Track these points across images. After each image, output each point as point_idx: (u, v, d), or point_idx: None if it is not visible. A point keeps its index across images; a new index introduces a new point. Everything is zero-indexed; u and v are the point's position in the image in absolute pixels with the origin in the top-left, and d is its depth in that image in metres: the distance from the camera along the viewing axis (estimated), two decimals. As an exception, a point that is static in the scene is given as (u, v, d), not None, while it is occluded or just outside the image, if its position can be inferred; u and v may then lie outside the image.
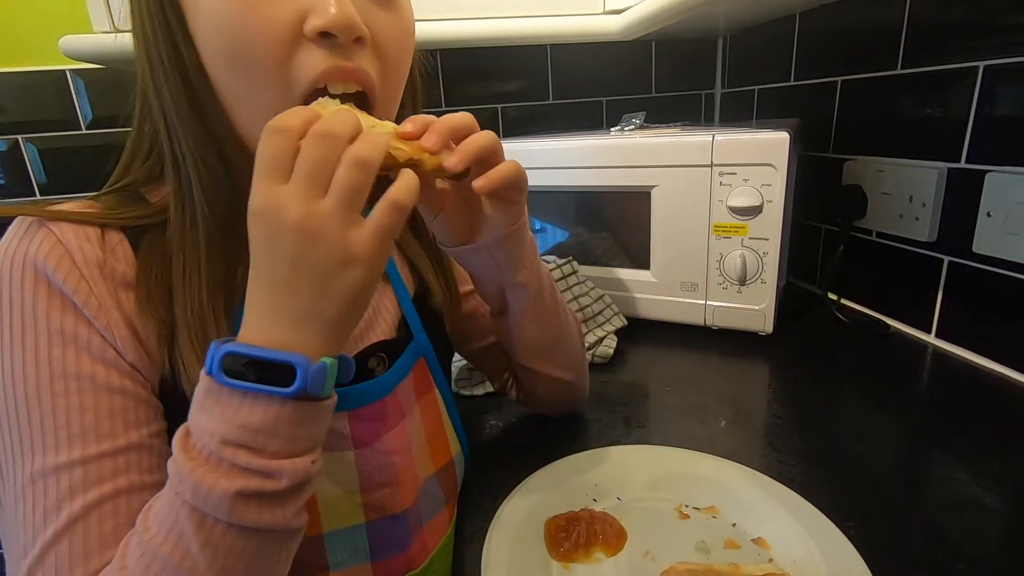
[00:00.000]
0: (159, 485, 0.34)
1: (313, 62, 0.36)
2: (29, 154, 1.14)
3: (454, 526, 0.50)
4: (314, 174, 0.30)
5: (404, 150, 0.35)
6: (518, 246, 0.47)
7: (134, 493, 0.34)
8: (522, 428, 0.63)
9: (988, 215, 0.66)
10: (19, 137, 1.13)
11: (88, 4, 0.79)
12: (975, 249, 0.68)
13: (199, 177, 0.38)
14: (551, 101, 1.26)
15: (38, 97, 1.11)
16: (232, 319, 0.38)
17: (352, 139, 0.32)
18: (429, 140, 0.36)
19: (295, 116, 0.32)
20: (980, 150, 0.67)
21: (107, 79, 1.11)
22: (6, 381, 0.34)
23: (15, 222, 0.37)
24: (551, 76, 1.25)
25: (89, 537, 0.32)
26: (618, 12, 0.89)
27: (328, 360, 0.32)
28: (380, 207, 0.32)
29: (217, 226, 0.38)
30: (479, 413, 0.67)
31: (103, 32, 0.79)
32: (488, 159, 0.40)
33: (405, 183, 0.33)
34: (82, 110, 1.13)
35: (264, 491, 0.30)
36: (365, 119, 0.35)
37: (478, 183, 0.39)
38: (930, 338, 0.77)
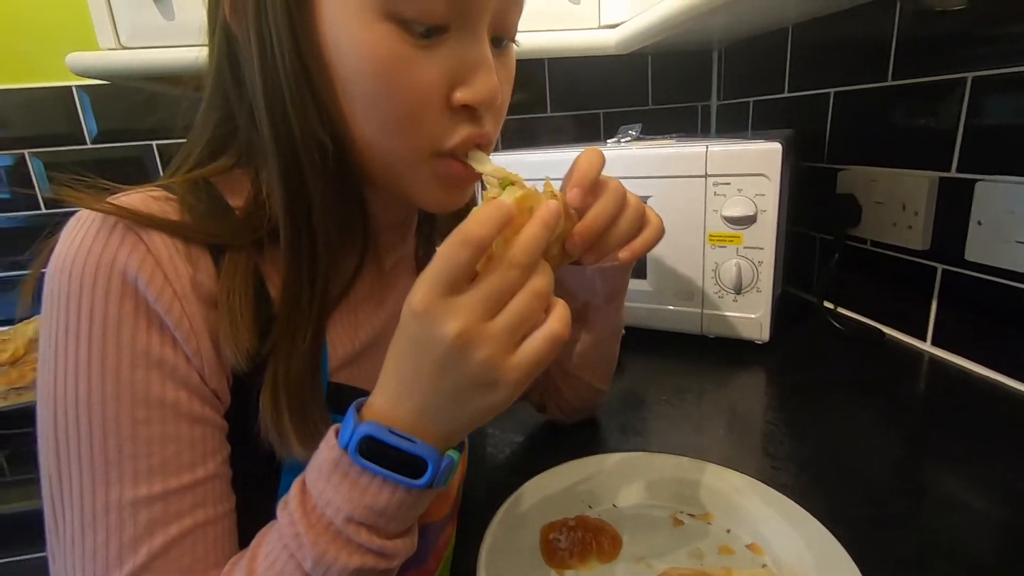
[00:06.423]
0: (230, 514, 0.35)
1: (454, 132, 0.36)
2: (35, 168, 1.15)
3: (455, 535, 0.50)
4: (492, 299, 0.30)
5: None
6: (623, 277, 0.48)
7: (210, 526, 0.34)
8: (518, 435, 0.64)
9: (979, 223, 0.67)
10: (25, 152, 1.14)
11: (94, 21, 0.80)
12: (967, 257, 0.69)
13: (323, 205, 0.36)
14: (549, 113, 1.28)
15: (43, 112, 1.13)
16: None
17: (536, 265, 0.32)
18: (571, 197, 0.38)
19: (490, 227, 0.30)
20: (970, 159, 0.68)
21: (113, 95, 1.12)
22: (80, 400, 0.31)
23: (91, 218, 0.32)
24: (549, 89, 1.26)
25: (168, 574, 0.32)
26: (613, 27, 0.90)
27: (455, 455, 0.32)
28: (541, 340, 0.31)
29: (330, 255, 0.37)
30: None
31: (109, 49, 0.81)
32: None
33: (563, 313, 0.32)
34: (87, 125, 1.15)
35: (378, 569, 0.31)
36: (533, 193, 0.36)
37: (623, 255, 0.41)
38: (925, 345, 0.77)
